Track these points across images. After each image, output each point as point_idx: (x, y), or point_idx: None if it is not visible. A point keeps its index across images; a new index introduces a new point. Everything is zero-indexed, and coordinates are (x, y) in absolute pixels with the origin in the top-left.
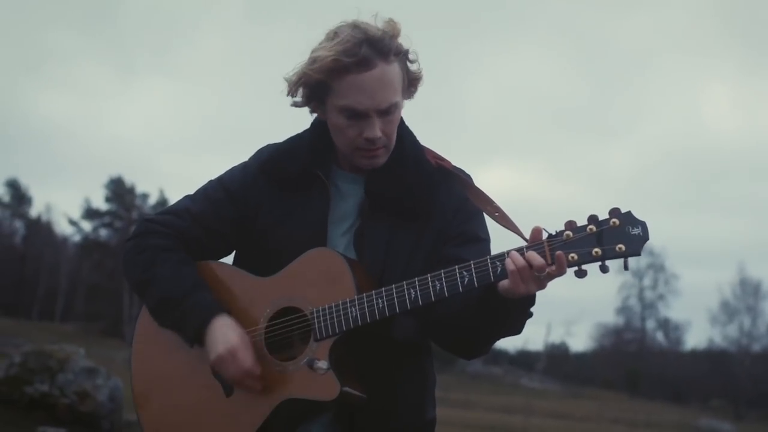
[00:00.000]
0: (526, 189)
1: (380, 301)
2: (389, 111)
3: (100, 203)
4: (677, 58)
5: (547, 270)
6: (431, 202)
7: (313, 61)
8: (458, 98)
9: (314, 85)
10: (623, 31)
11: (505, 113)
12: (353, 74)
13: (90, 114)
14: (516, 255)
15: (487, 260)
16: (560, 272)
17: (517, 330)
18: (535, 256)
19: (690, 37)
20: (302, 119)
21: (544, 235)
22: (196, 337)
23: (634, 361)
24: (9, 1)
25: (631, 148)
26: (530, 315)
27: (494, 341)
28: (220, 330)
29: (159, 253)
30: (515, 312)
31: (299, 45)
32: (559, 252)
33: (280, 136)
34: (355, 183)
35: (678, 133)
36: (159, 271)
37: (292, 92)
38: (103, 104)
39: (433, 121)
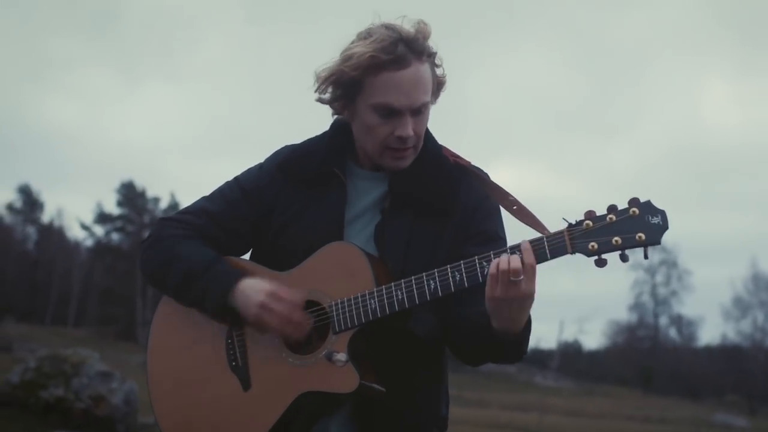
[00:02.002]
0: (530, 188)
1: (399, 292)
2: (421, 110)
3: (111, 208)
4: (676, 56)
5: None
6: (452, 199)
7: (348, 58)
8: (461, 98)
9: (347, 83)
10: (622, 30)
11: (508, 113)
12: (389, 72)
13: (97, 119)
14: (498, 259)
15: (507, 250)
16: (529, 260)
17: (512, 359)
18: (513, 259)
19: (688, 35)
20: (309, 120)
21: (564, 225)
22: (223, 303)
23: (647, 358)
24: (11, 9)
25: (632, 146)
26: (523, 350)
27: (494, 360)
28: (250, 286)
29: (179, 240)
30: (506, 342)
31: (300, 48)
32: (524, 242)
33: (287, 136)
34: (373, 180)
35: (678, 130)
36: (180, 250)
37: (321, 89)
38: (109, 109)
39: (436, 122)
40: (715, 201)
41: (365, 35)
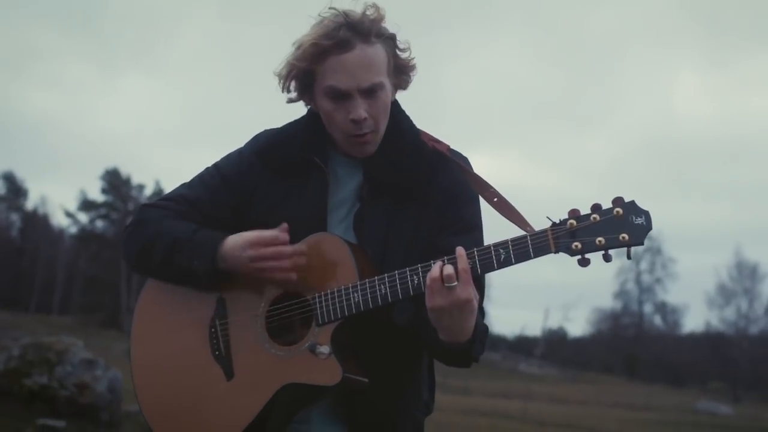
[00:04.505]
0: (506, 177)
1: (383, 287)
2: (372, 90)
3: (96, 195)
4: (647, 49)
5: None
6: (430, 184)
7: (296, 49)
8: (438, 88)
9: (302, 75)
10: (596, 23)
11: (484, 103)
12: (333, 56)
13: (79, 109)
14: (433, 267)
15: (490, 248)
16: (462, 266)
17: (461, 366)
18: (446, 267)
19: (659, 27)
20: (284, 106)
21: (548, 224)
22: (212, 266)
23: (632, 345)
24: None
25: (607, 137)
26: (470, 358)
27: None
28: (234, 246)
29: (162, 219)
30: (452, 352)
31: (272, 39)
32: (458, 248)
33: (266, 122)
34: (352, 167)
35: (652, 121)
36: (164, 226)
37: (285, 87)
38: (91, 100)
39: (413, 111)
40: (690, 190)
41: (316, 23)
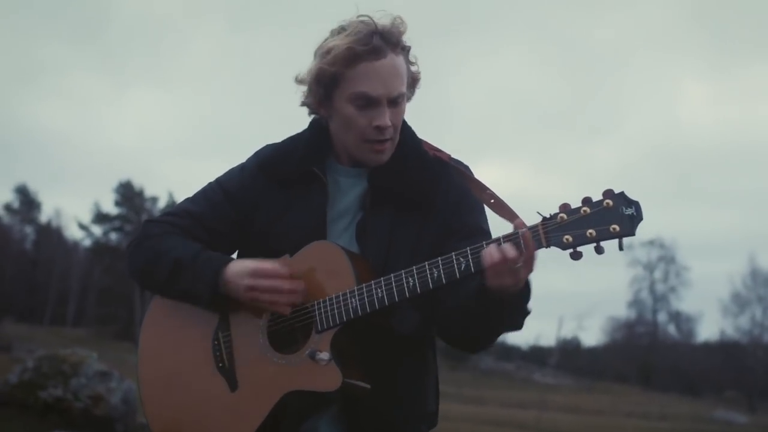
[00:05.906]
0: (513, 187)
1: (379, 291)
2: (398, 101)
3: (109, 207)
4: (652, 58)
5: (520, 259)
6: (433, 193)
7: (325, 53)
8: (445, 97)
9: (327, 80)
10: (600, 32)
11: (491, 113)
12: (366, 62)
13: (90, 121)
14: (492, 248)
15: (483, 246)
16: (530, 255)
17: (515, 326)
18: (508, 249)
19: (664, 35)
20: (293, 118)
21: (539, 219)
22: (213, 290)
23: (646, 354)
24: (2, 18)
25: (614, 145)
26: (526, 311)
27: (494, 336)
28: (235, 271)
29: (165, 236)
30: (508, 307)
31: (281, 52)
32: (525, 230)
33: (274, 135)
34: (354, 177)
35: (658, 129)
36: (167, 244)
37: (313, 93)
38: (101, 112)
39: (421, 120)
40: (700, 198)
41: (339, 30)
